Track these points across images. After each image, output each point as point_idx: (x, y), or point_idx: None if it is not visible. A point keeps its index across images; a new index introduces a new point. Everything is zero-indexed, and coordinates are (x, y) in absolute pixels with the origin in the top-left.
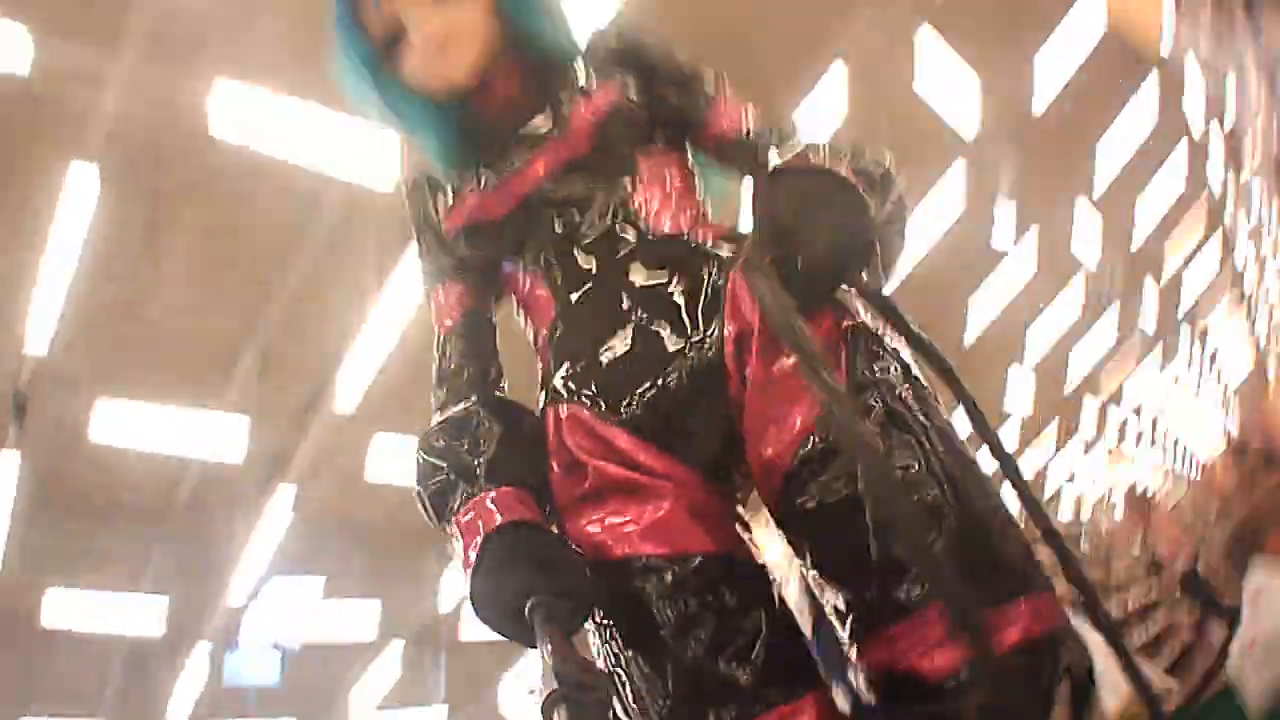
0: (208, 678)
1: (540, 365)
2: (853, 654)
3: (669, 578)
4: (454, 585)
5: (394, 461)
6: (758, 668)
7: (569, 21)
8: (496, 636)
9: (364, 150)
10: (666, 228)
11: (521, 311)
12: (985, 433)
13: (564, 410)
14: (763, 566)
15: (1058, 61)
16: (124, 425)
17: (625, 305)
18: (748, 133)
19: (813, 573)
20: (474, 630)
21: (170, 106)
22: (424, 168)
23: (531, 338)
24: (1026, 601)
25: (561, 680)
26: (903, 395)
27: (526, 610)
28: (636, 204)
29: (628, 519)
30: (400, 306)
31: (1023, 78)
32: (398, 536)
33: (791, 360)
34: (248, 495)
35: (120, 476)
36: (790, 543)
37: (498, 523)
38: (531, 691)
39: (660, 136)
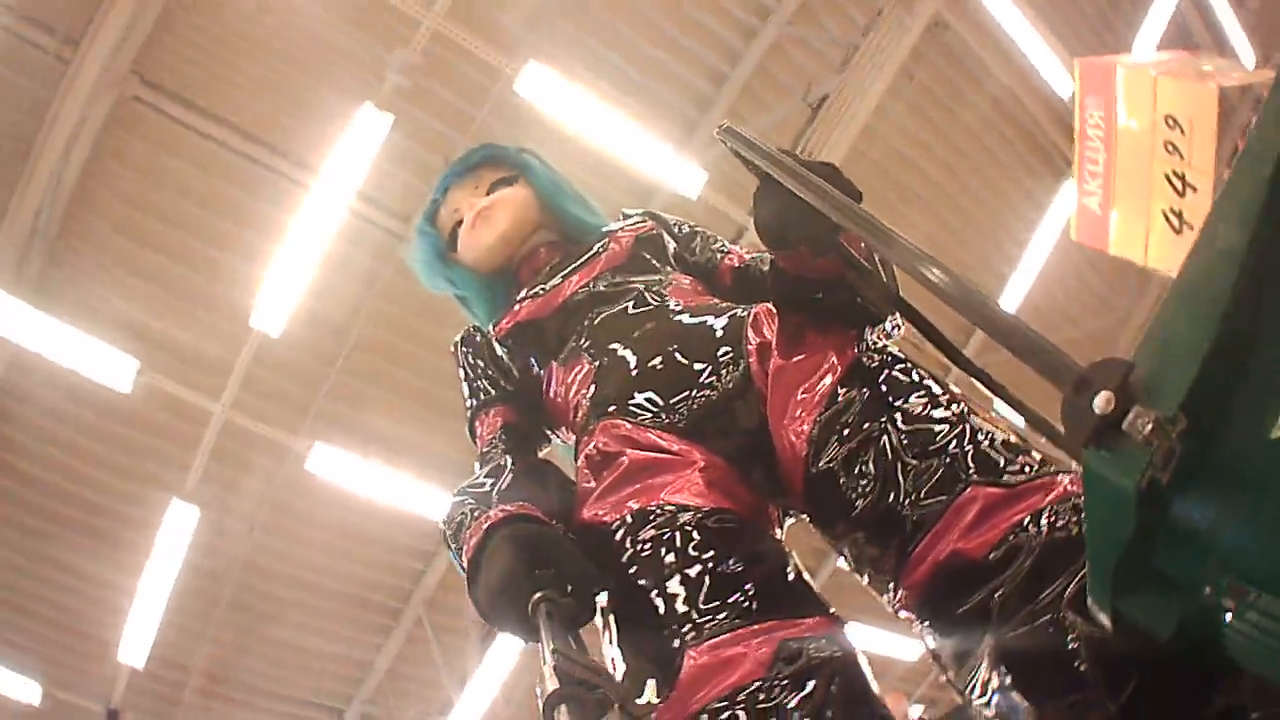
0: None
1: (575, 435)
2: (897, 594)
3: (685, 519)
4: None
5: None
6: (756, 591)
7: (598, 208)
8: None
9: None
10: (694, 302)
11: (554, 414)
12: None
13: (599, 427)
14: (777, 539)
15: None
16: None
17: (662, 343)
18: (756, 256)
19: (851, 540)
20: None
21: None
22: (472, 325)
23: (569, 420)
24: (1062, 476)
25: (563, 678)
26: (909, 364)
27: (530, 607)
28: (667, 293)
29: (655, 483)
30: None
31: None
32: None
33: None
34: None
35: None
36: (822, 524)
37: (500, 515)
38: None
39: (683, 270)
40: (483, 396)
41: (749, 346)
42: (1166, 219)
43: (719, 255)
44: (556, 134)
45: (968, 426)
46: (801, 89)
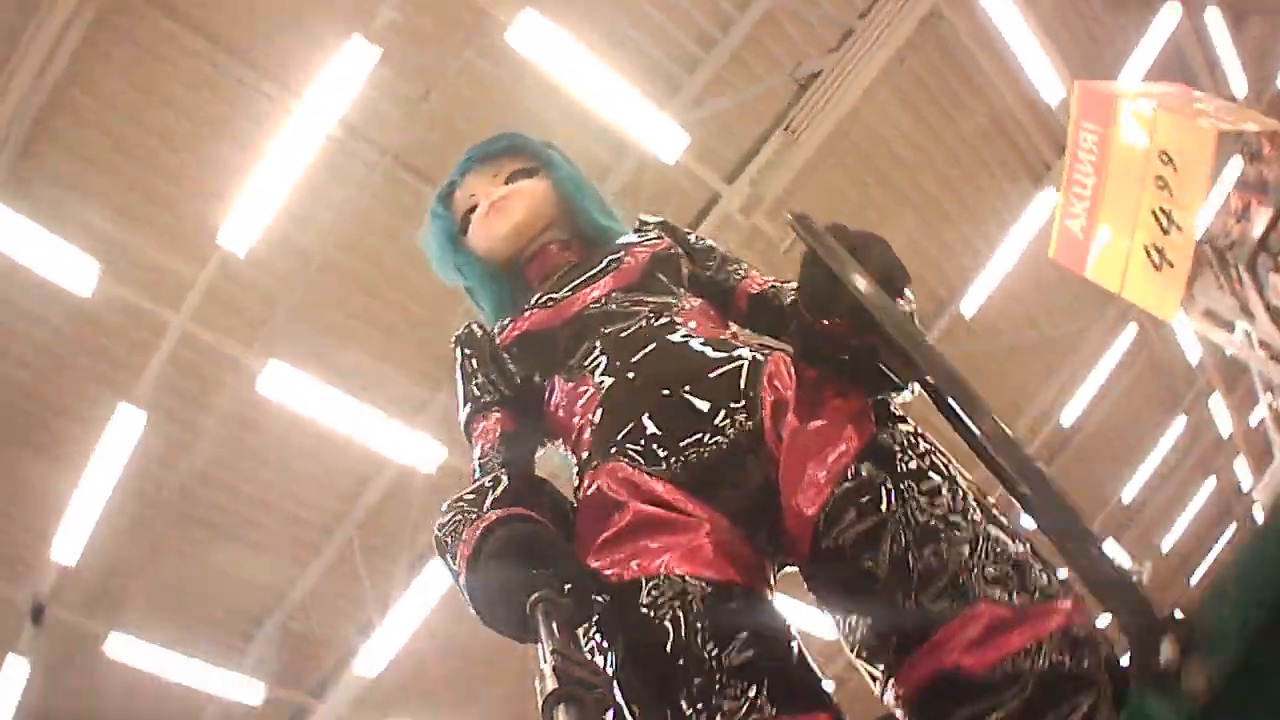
0: None
1: (577, 459)
2: (889, 685)
3: (692, 594)
4: None
5: None
6: (767, 685)
7: (615, 213)
8: None
9: (409, 437)
10: (707, 334)
11: (554, 427)
12: (1002, 475)
13: (603, 468)
14: (781, 613)
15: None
16: (138, 655)
17: (671, 379)
18: (775, 286)
19: (850, 619)
20: None
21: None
22: (477, 321)
23: (571, 440)
24: (1065, 600)
25: (562, 678)
26: (924, 448)
27: (528, 606)
28: (680, 319)
29: (660, 545)
30: (428, 589)
31: None
32: None
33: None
34: None
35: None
36: (820, 594)
37: (497, 516)
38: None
39: (698, 293)
40: (481, 400)
41: (765, 399)
42: (1147, 254)
43: (736, 277)
44: (541, 80)
45: (980, 533)
46: (791, 63)
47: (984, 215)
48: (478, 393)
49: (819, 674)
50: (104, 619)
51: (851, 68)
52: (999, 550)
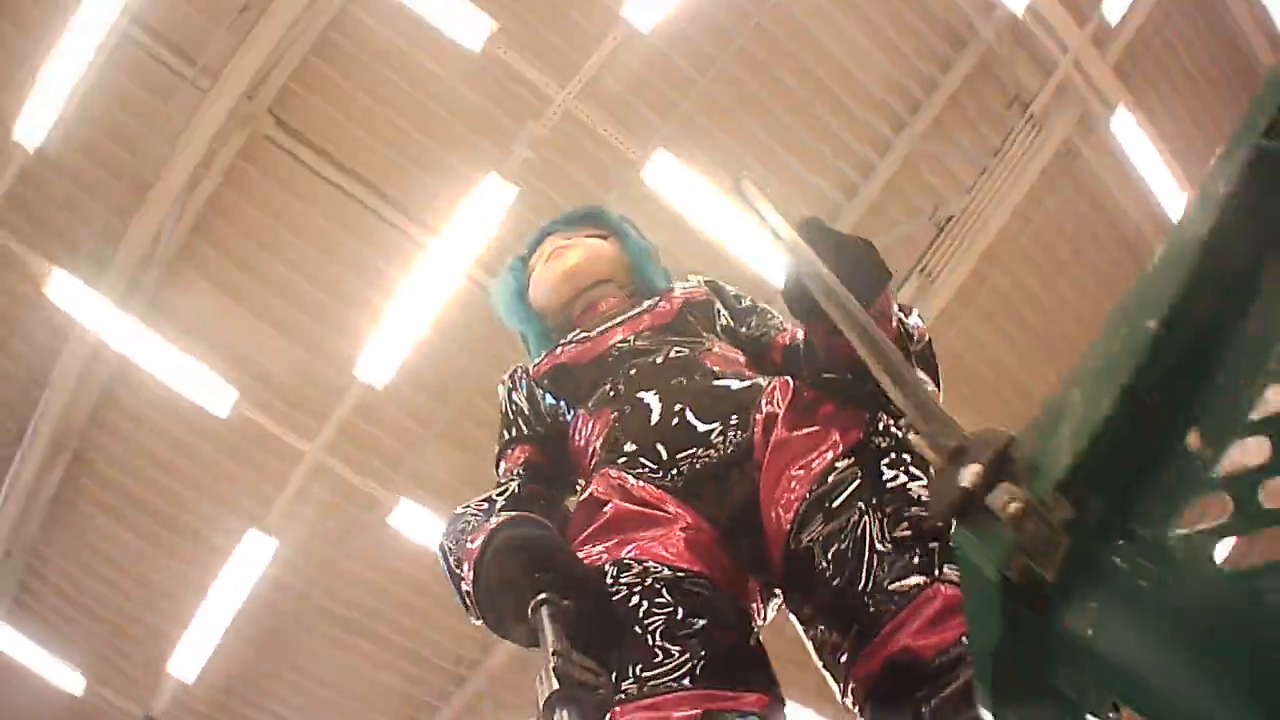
0: None
1: (585, 480)
2: (850, 679)
3: (654, 575)
4: None
5: None
6: (703, 659)
7: (668, 273)
8: None
9: None
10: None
11: (575, 461)
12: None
13: (598, 474)
14: (746, 609)
15: None
16: None
17: (683, 396)
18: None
19: (818, 618)
20: None
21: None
22: (524, 365)
23: (585, 469)
24: None
25: (563, 680)
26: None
27: (530, 608)
28: (703, 357)
29: (635, 537)
30: None
31: None
32: None
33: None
34: None
35: None
36: (794, 605)
37: (503, 520)
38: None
39: (733, 344)
40: (513, 433)
41: (757, 415)
42: None
43: (773, 332)
44: (678, 223)
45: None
46: (929, 206)
47: None
48: (510, 430)
49: (770, 667)
50: None
51: (986, 207)
52: None
